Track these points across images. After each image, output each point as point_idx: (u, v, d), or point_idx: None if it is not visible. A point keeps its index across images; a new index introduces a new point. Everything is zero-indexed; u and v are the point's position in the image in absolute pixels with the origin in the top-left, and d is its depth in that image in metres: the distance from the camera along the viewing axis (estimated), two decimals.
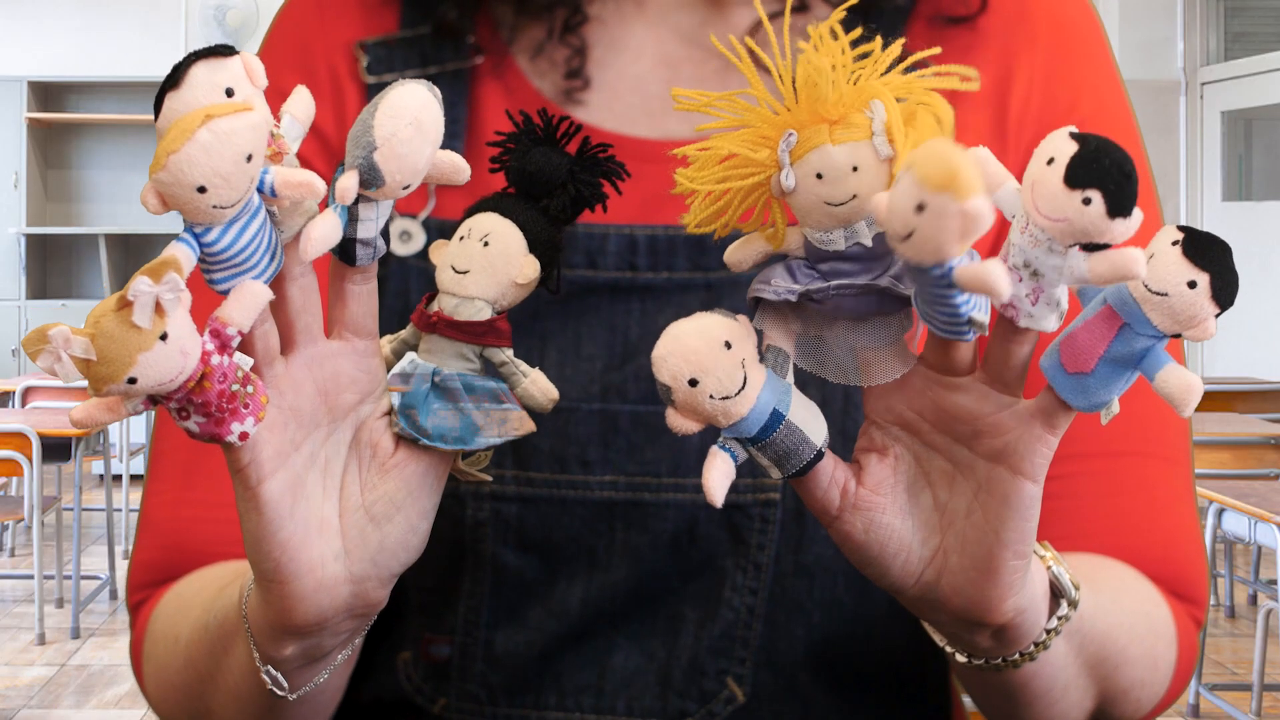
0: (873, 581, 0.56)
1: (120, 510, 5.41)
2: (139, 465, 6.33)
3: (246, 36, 6.83)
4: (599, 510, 0.71)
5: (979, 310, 0.48)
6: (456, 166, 0.54)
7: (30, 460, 4.15)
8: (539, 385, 0.56)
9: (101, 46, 7.26)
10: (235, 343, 0.49)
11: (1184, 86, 6.70)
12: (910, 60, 0.49)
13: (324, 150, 0.77)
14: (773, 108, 0.50)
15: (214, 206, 0.46)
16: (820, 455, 0.52)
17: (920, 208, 0.42)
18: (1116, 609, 0.68)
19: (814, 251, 0.51)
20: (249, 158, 0.46)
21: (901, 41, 0.49)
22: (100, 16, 7.29)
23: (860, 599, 0.73)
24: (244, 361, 0.50)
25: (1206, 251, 0.46)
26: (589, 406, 0.71)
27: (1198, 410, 0.65)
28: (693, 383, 0.50)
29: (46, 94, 7.51)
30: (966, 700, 0.82)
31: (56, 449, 4.33)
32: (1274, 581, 4.62)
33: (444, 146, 0.75)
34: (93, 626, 4.67)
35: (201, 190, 0.45)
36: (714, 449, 0.52)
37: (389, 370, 0.56)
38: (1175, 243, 0.47)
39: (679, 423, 0.52)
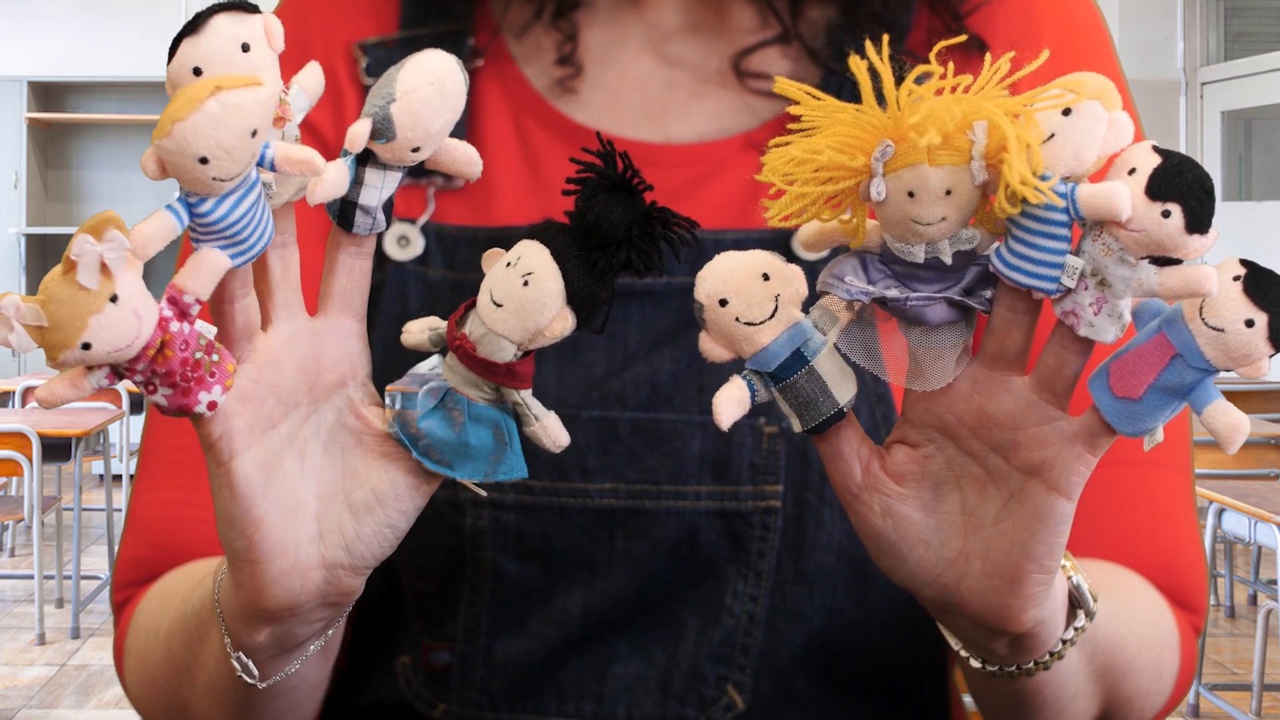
0: (888, 576, 0.56)
1: (120, 510, 5.41)
2: None
3: None
4: (599, 518, 0.71)
5: (1071, 273, 0.48)
6: (470, 159, 0.53)
7: (30, 460, 4.15)
8: (549, 431, 0.55)
9: (101, 46, 7.26)
10: (194, 310, 0.48)
11: (1184, 86, 6.70)
12: (1031, 96, 0.48)
13: (321, 150, 0.77)
14: (873, 114, 0.49)
15: (214, 178, 0.46)
16: (841, 414, 0.52)
17: (1067, 112, 0.47)
18: (1128, 617, 0.68)
19: (891, 256, 0.50)
20: (254, 133, 0.46)
21: (1010, 55, 0.48)
22: (100, 16, 7.29)
23: (860, 606, 0.73)
24: (206, 330, 0.49)
25: (1268, 291, 0.46)
26: (588, 414, 0.71)
27: None
28: (723, 303, 0.51)
29: (46, 94, 7.51)
30: (966, 700, 0.82)
31: (56, 449, 4.33)
32: (1274, 581, 4.63)
33: None
34: (93, 626, 4.67)
35: (203, 161, 0.45)
36: (734, 376, 0.52)
37: (414, 368, 0.56)
38: (1237, 278, 0.46)
39: (707, 346, 0.52)
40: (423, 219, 0.75)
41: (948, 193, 0.48)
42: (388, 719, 0.77)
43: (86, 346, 0.45)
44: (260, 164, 0.48)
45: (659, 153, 0.76)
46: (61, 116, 7.47)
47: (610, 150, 0.54)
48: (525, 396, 0.55)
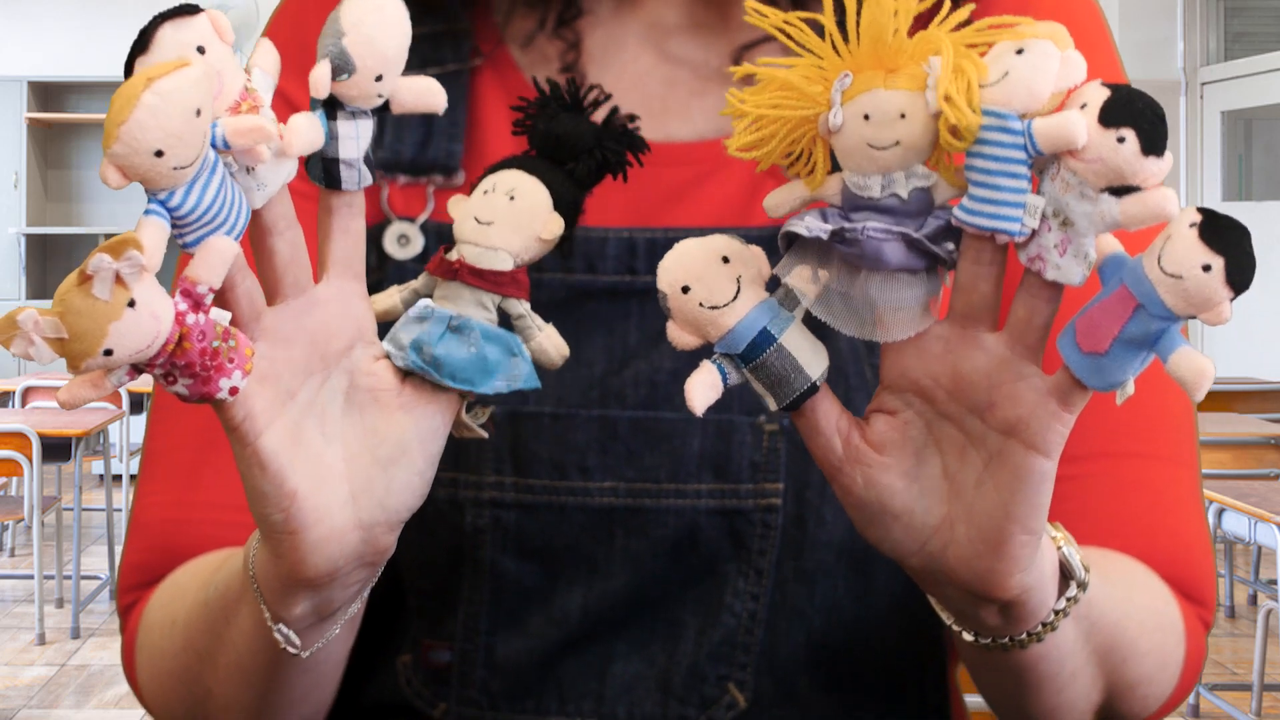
0: (875, 546, 0.56)
1: (120, 510, 5.41)
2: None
3: (246, 37, 6.83)
4: (599, 517, 0.71)
5: (1033, 212, 0.49)
6: (429, 88, 0.55)
7: (30, 460, 4.15)
8: (553, 340, 0.57)
9: (101, 46, 7.26)
10: (208, 300, 0.48)
11: (1184, 86, 6.70)
12: (985, 23, 0.49)
13: None
14: (836, 45, 0.50)
15: (174, 168, 0.46)
16: (814, 389, 0.53)
17: (1020, 51, 0.48)
18: (1128, 601, 0.68)
19: (850, 200, 0.51)
20: (198, 112, 0.46)
21: (971, 7, 0.50)
22: (100, 16, 7.29)
23: (861, 604, 0.73)
24: (221, 317, 0.49)
25: (1224, 235, 0.46)
26: (588, 412, 0.71)
27: (1197, 410, 0.66)
28: (685, 290, 0.52)
29: (46, 94, 7.52)
30: (968, 700, 0.82)
31: (56, 449, 4.33)
32: (1274, 581, 4.63)
33: (444, 147, 0.75)
34: (93, 626, 4.67)
35: (159, 154, 0.45)
36: (704, 361, 0.53)
37: (402, 316, 0.57)
38: (1193, 225, 0.47)
39: (675, 334, 0.53)
40: (422, 217, 0.75)
41: (902, 116, 0.49)
42: (389, 718, 0.77)
43: (109, 353, 0.45)
44: (214, 145, 0.48)
45: (659, 151, 0.75)
46: (61, 116, 7.48)
47: (555, 84, 0.59)
48: (527, 308, 0.56)
